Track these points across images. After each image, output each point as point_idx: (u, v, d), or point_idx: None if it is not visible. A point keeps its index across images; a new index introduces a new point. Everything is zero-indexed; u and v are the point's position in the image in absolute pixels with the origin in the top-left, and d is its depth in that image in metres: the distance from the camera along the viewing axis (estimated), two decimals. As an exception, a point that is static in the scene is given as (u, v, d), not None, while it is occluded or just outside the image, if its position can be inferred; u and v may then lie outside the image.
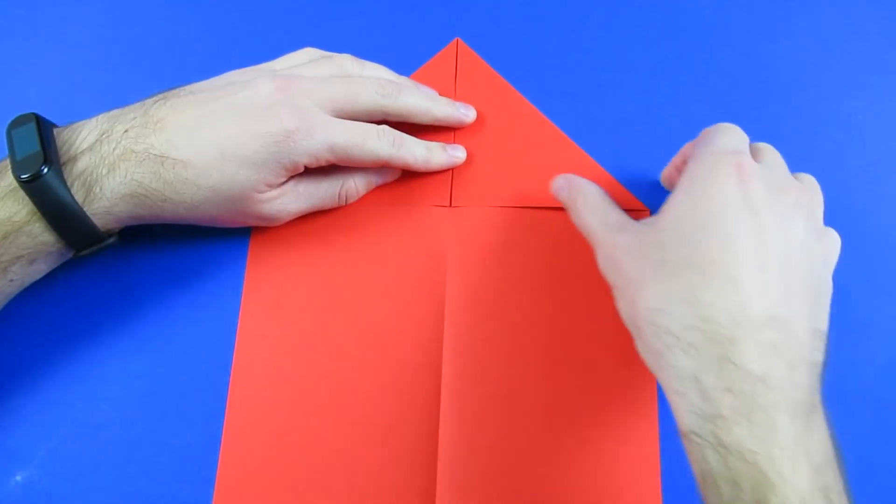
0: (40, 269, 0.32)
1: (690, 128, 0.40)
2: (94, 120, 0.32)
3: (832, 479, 0.26)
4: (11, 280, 0.31)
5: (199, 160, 0.31)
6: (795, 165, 0.39)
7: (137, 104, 0.33)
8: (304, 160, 0.33)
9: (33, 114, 0.31)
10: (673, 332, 0.27)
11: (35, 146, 0.29)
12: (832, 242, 0.32)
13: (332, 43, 0.39)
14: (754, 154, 0.31)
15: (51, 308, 0.37)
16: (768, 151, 0.32)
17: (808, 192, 0.31)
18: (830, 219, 0.38)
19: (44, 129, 0.30)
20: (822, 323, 0.29)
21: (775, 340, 0.26)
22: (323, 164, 0.34)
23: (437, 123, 0.38)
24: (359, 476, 0.34)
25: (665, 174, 0.37)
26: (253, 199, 0.33)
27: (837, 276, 0.37)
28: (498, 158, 0.39)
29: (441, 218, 0.38)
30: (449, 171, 0.39)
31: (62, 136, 0.31)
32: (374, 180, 0.38)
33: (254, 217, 0.35)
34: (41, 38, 0.43)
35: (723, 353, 0.26)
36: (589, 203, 0.33)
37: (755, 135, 0.40)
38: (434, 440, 0.34)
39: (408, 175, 0.38)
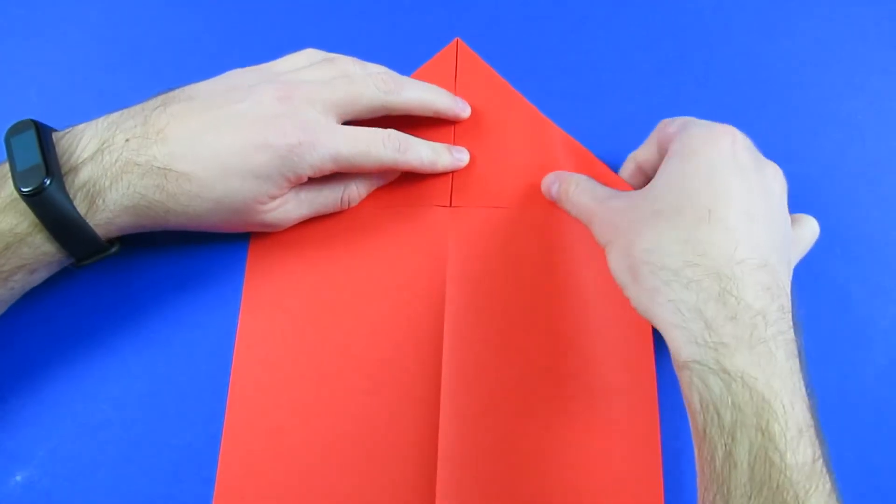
0: (41, 277, 0.32)
1: (690, 128, 0.40)
2: (93, 125, 0.32)
3: (812, 413, 0.27)
4: (12, 288, 0.31)
5: (202, 173, 0.31)
6: (795, 165, 0.39)
7: (137, 108, 0.32)
8: (309, 172, 0.33)
9: (32, 121, 0.31)
10: (671, 268, 0.28)
11: (36, 157, 0.29)
12: (804, 228, 0.34)
13: (332, 43, 0.39)
14: None
15: (51, 309, 0.37)
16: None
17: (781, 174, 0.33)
18: (830, 219, 0.38)
19: (44, 137, 0.30)
20: (790, 276, 0.31)
21: (768, 283, 0.28)
22: (327, 173, 0.34)
23: (437, 116, 0.38)
24: (358, 476, 0.34)
25: (625, 172, 0.38)
26: (256, 209, 0.33)
27: (838, 276, 0.37)
28: (498, 158, 0.39)
29: (441, 218, 0.38)
30: (449, 171, 0.38)
31: (62, 143, 0.31)
32: (375, 183, 0.38)
33: (256, 225, 0.35)
34: (41, 38, 0.43)
35: (724, 287, 0.27)
36: (581, 187, 0.35)
37: (755, 135, 0.40)
38: (434, 440, 0.34)
39: (408, 175, 0.38)
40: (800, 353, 0.28)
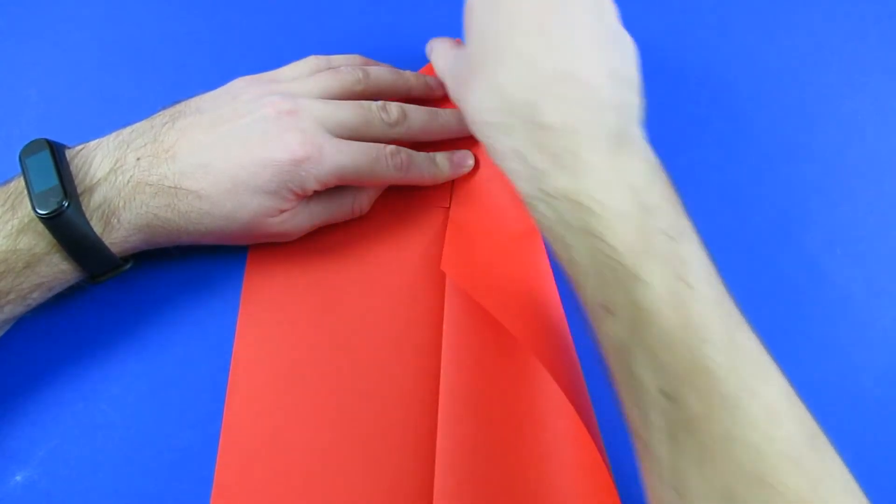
0: (56, 292, 0.33)
1: (691, 128, 0.40)
2: (104, 144, 0.32)
3: (657, 197, 0.27)
4: (29, 305, 0.32)
5: (212, 190, 0.32)
6: (796, 165, 0.39)
7: (146, 124, 0.33)
8: (315, 186, 0.33)
9: (46, 140, 0.31)
10: (491, 122, 0.30)
11: (53, 179, 0.30)
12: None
13: (333, 43, 0.39)
14: None
15: (50, 310, 0.37)
16: None
17: None
18: (830, 219, 0.38)
19: (59, 157, 0.31)
20: (626, 66, 0.30)
21: (569, 92, 0.28)
22: (332, 186, 0.34)
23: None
24: (356, 477, 0.34)
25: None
26: (266, 222, 0.34)
27: (838, 276, 0.37)
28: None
29: (441, 218, 0.38)
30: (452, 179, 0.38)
31: (74, 162, 0.31)
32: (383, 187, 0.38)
33: (267, 236, 0.35)
34: (41, 38, 0.43)
35: (527, 117, 0.28)
36: (437, 51, 0.38)
37: (755, 134, 0.40)
38: (432, 442, 0.34)
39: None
40: (622, 138, 0.28)
